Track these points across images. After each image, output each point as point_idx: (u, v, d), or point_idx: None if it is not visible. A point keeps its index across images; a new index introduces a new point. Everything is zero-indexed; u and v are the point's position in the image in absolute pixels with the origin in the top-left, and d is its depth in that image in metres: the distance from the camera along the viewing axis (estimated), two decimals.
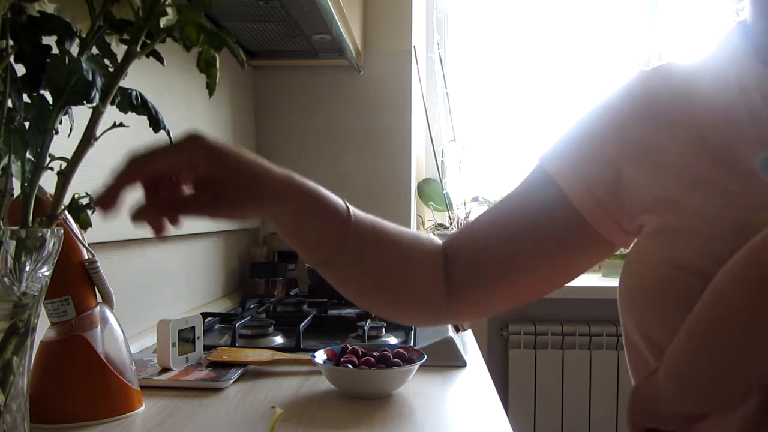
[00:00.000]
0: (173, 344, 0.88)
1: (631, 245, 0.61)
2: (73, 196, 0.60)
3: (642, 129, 0.59)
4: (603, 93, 0.65)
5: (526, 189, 0.68)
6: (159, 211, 0.54)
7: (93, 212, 0.61)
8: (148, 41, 0.54)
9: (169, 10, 0.53)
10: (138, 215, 0.53)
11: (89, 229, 0.67)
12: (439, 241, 0.71)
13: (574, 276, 0.68)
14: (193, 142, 0.53)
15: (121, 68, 0.53)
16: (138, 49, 0.53)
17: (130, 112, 0.57)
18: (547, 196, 0.64)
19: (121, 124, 0.56)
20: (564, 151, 0.65)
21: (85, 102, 0.52)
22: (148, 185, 0.54)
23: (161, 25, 0.54)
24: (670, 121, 0.58)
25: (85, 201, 0.60)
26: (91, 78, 0.51)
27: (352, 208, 0.63)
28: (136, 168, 0.52)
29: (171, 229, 0.55)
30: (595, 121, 0.64)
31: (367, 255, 0.64)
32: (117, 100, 0.55)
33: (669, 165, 0.56)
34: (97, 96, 0.52)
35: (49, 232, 0.49)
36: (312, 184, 0.61)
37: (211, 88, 0.57)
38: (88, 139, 0.53)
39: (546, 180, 0.65)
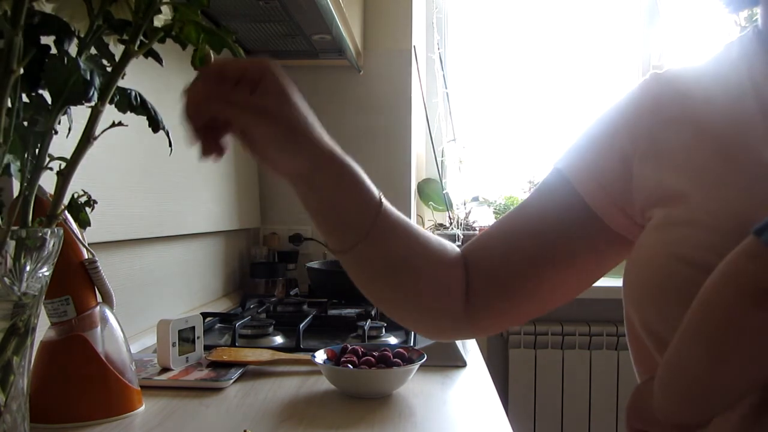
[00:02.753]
0: (173, 344, 0.88)
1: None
2: (73, 195, 0.60)
3: (652, 125, 0.59)
4: (615, 96, 0.66)
5: (542, 194, 0.67)
6: (211, 131, 0.56)
7: (92, 210, 0.61)
8: (146, 41, 0.54)
9: (165, 8, 0.53)
10: (196, 133, 0.56)
11: (89, 229, 0.67)
12: (458, 249, 0.70)
13: (595, 279, 0.67)
14: (264, 65, 0.56)
15: (119, 67, 0.53)
16: (136, 49, 0.53)
17: (129, 112, 0.57)
18: (563, 198, 0.64)
19: (119, 123, 0.56)
20: (578, 152, 0.65)
21: (84, 102, 0.52)
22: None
23: (159, 25, 0.54)
24: (680, 117, 0.58)
25: (84, 200, 0.60)
26: (89, 77, 0.51)
27: (383, 197, 0.64)
28: (208, 71, 0.56)
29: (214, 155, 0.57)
30: (607, 122, 0.64)
31: (393, 246, 0.64)
32: (116, 100, 0.55)
33: (677, 158, 0.56)
34: (96, 95, 0.52)
35: (49, 232, 0.49)
36: (352, 162, 0.62)
37: None
38: (87, 138, 0.53)
39: (562, 182, 0.64)
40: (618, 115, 0.63)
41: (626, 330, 0.61)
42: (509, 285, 0.66)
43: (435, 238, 0.68)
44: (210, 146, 0.57)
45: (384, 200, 0.63)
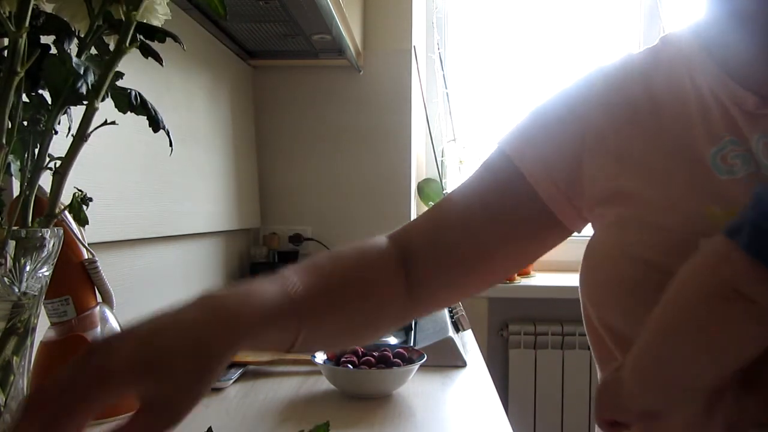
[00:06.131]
0: None
1: (591, 235, 0.61)
2: (74, 195, 0.60)
3: (602, 121, 0.60)
4: (562, 84, 0.65)
5: (486, 175, 0.67)
6: None
7: (87, 208, 0.61)
8: (144, 38, 0.54)
9: (163, 6, 0.53)
10: None
11: (89, 229, 0.67)
12: (383, 240, 0.67)
13: (532, 261, 0.69)
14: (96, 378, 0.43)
15: (110, 63, 0.53)
16: (126, 45, 0.53)
17: (129, 113, 0.57)
18: (508, 182, 0.64)
19: (113, 122, 0.56)
20: (527, 139, 0.64)
21: (83, 102, 0.52)
22: None
23: (158, 23, 0.54)
24: (629, 115, 0.59)
25: (79, 197, 0.60)
26: (82, 73, 0.50)
27: (294, 293, 0.54)
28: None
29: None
30: (556, 109, 0.64)
31: (325, 324, 0.59)
32: (108, 97, 0.55)
33: (627, 157, 0.58)
34: (86, 91, 0.51)
35: (48, 232, 0.49)
36: (253, 300, 0.51)
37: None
38: (81, 136, 0.53)
39: (507, 164, 0.64)
40: (566, 107, 0.63)
41: (585, 324, 0.64)
42: (453, 270, 0.66)
43: (361, 254, 0.64)
44: None
45: (294, 291, 0.54)
